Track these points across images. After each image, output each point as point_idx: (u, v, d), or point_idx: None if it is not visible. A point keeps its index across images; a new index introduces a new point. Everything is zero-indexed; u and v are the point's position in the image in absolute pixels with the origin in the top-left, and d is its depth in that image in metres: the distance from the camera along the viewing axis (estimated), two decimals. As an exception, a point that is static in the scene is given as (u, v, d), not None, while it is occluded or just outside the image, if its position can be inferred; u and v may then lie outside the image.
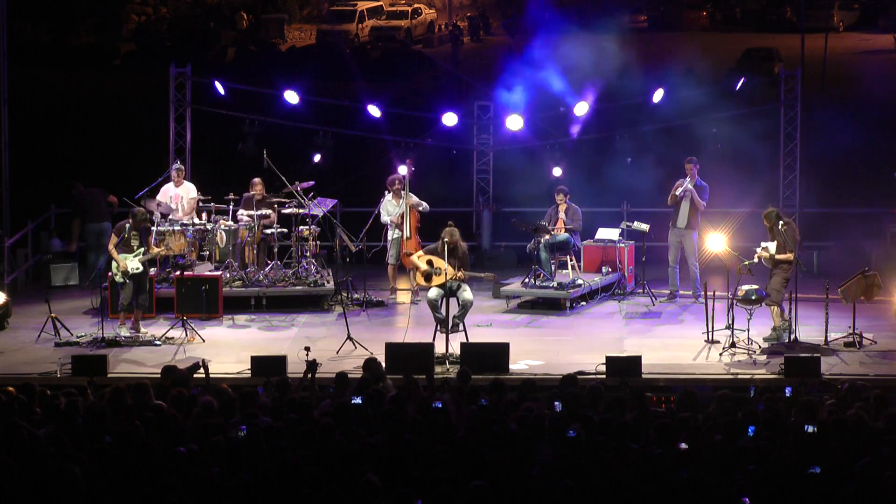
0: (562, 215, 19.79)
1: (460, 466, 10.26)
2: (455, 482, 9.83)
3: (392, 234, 19.79)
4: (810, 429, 11.02)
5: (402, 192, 19.67)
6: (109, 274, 17.92)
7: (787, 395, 12.96)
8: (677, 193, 19.49)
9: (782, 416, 11.69)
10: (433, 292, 16.80)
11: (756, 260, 17.02)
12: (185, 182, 20.17)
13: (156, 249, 17.93)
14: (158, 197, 19.93)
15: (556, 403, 12.14)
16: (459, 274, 16.68)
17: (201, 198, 19.93)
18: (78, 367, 15.61)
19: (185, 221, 19.32)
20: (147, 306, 17.84)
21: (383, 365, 14.37)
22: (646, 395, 12.54)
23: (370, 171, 22.95)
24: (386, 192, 19.81)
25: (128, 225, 17.61)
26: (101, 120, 34.22)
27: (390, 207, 19.75)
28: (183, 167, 20.48)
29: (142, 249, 17.54)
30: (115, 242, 17.53)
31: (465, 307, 16.71)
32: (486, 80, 27.16)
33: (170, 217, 19.55)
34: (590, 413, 11.73)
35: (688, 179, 19.50)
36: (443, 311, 16.65)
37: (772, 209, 17.36)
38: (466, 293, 16.76)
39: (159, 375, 13.67)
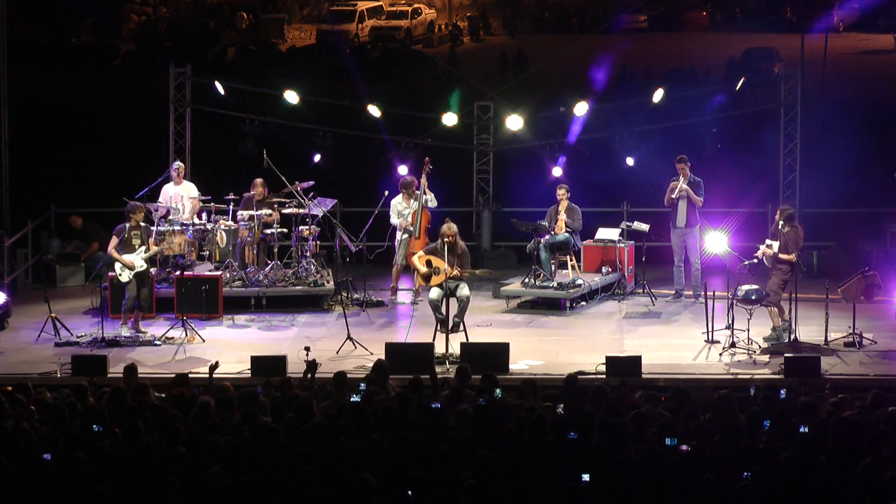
0: (562, 213, 19.75)
1: (458, 466, 10.25)
2: (453, 481, 9.83)
3: (400, 236, 19.74)
4: (804, 429, 11.05)
5: (418, 192, 19.64)
6: (111, 274, 17.91)
7: (784, 395, 12.94)
8: (674, 196, 19.50)
9: (784, 417, 11.68)
10: (434, 292, 16.79)
11: (759, 256, 16.98)
12: (185, 182, 20.16)
13: (156, 247, 17.96)
14: (160, 198, 19.94)
15: (559, 406, 12.13)
16: (457, 271, 16.65)
17: (202, 197, 19.93)
18: (78, 367, 15.61)
19: (185, 221, 19.32)
20: (148, 305, 17.86)
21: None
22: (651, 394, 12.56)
23: (370, 171, 22.93)
24: (387, 192, 19.76)
25: (128, 225, 17.61)
26: (101, 120, 34.19)
27: (400, 208, 19.72)
28: (182, 165, 20.48)
29: (143, 247, 17.55)
30: (116, 244, 17.51)
31: (462, 304, 16.68)
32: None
33: (170, 217, 19.54)
34: (592, 413, 11.72)
35: (681, 179, 19.52)
36: (444, 311, 16.65)
37: (787, 207, 17.35)
38: (464, 290, 16.74)
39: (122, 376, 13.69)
